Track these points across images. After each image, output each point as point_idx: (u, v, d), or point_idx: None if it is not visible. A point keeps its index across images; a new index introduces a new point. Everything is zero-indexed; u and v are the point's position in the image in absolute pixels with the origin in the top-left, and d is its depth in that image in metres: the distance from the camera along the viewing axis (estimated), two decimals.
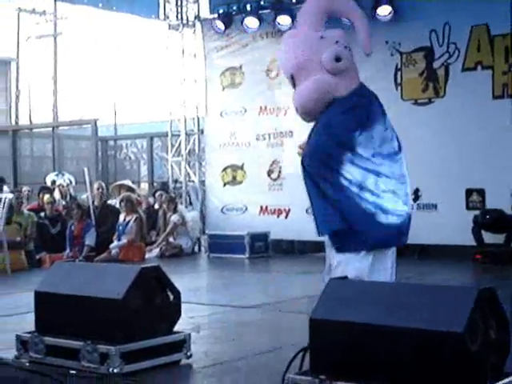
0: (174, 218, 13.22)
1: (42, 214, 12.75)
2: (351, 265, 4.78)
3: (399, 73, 12.01)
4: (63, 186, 14.65)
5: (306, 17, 5.13)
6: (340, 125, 4.89)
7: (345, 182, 4.82)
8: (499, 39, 11.13)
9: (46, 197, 12.94)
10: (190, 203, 14.74)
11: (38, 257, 11.84)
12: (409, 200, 5.08)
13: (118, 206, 13.06)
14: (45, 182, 15.27)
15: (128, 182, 14.96)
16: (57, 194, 14.35)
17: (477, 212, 11.02)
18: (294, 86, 5.04)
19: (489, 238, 10.88)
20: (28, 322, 5.45)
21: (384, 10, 11.71)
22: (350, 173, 4.81)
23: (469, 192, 11.31)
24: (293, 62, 4.98)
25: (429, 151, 11.42)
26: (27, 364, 5.08)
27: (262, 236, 12.91)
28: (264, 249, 12.85)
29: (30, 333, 5.15)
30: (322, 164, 4.92)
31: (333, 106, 4.93)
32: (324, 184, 4.89)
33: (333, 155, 4.87)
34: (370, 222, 4.85)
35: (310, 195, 5.06)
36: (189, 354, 5.15)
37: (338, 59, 4.96)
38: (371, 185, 4.83)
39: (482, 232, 10.87)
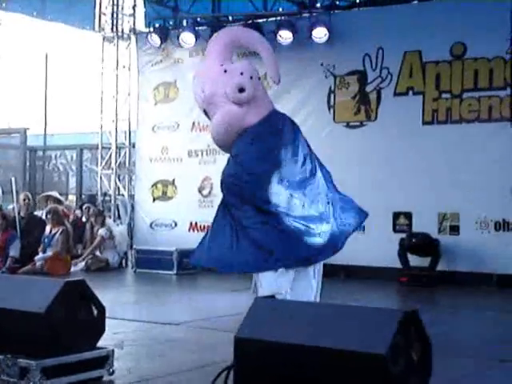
0: (102, 231, 13.07)
1: None
2: (267, 282, 4.81)
3: (332, 95, 12.13)
4: None
5: (211, 52, 5.29)
6: (247, 154, 4.98)
7: (255, 209, 4.91)
8: (431, 66, 11.33)
9: None
10: (119, 217, 14.60)
11: None
12: (330, 219, 5.11)
13: (44, 217, 12.84)
14: None
15: (55, 194, 14.74)
16: None
17: (403, 235, 11.17)
18: (210, 119, 5.16)
19: (414, 260, 11.03)
20: None
21: (320, 32, 11.83)
22: (263, 198, 4.87)
23: (396, 215, 11.46)
24: (201, 97, 5.11)
25: (358, 174, 11.54)
26: None
27: (190, 252, 12.78)
28: (192, 265, 12.77)
29: None
30: (231, 193, 5.01)
31: (242, 136, 5.03)
32: (235, 211, 4.97)
33: (243, 184, 4.93)
34: (283, 242, 4.90)
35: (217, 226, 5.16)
36: (111, 370, 5.08)
37: (241, 90, 5.07)
38: (285, 208, 4.90)
39: (408, 255, 11.02)
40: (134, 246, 13.40)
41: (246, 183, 4.93)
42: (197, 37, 12.90)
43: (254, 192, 4.90)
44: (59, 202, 13.99)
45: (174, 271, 12.46)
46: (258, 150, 4.99)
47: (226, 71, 5.12)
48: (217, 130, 5.09)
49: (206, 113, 5.18)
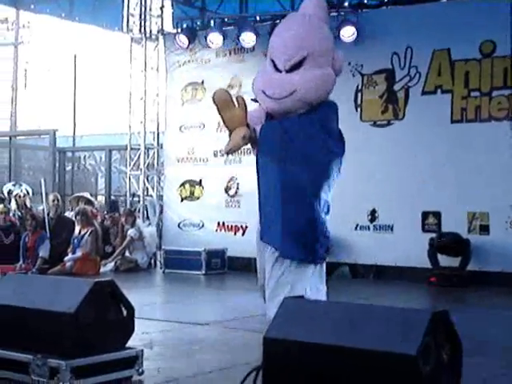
0: (131, 232, 13.12)
1: None
2: (306, 283, 4.66)
3: (359, 94, 12.09)
4: (20, 197, 14.47)
5: (319, 10, 4.93)
6: (335, 134, 4.78)
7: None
8: (460, 64, 11.26)
9: (0, 206, 12.77)
10: (147, 218, 14.65)
11: None
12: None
13: (73, 218, 12.92)
14: (1, 192, 15.08)
15: (87, 195, 14.85)
16: (13, 205, 14.19)
17: (432, 234, 11.10)
18: (293, 68, 4.65)
19: (444, 260, 10.96)
20: None
21: (348, 32, 11.78)
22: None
23: (425, 214, 11.39)
24: (314, 43, 4.64)
25: (386, 173, 11.50)
26: None
27: (219, 253, 12.87)
28: (220, 265, 12.81)
29: None
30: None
31: (327, 108, 4.79)
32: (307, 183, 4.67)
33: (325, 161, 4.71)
34: (324, 232, 4.75)
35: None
36: (141, 370, 5.09)
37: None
38: (325, 194, 4.74)
39: (438, 255, 10.95)
40: (163, 247, 13.44)
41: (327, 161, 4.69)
42: (224, 37, 12.91)
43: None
44: (90, 202, 14.07)
45: (203, 271, 12.48)
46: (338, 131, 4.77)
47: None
48: (319, 86, 4.61)
49: (300, 60, 4.67)
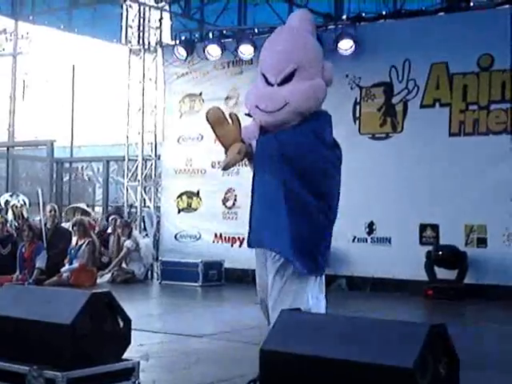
0: (128, 243, 13.11)
1: None
2: (309, 292, 4.67)
3: (358, 107, 12.11)
4: (17, 207, 14.47)
5: (304, 22, 4.98)
6: (330, 143, 4.82)
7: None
8: (458, 77, 11.28)
9: None
10: (145, 229, 14.64)
11: None
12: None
13: (70, 229, 12.90)
14: None
15: (83, 205, 14.84)
16: (10, 215, 14.18)
17: (430, 247, 11.10)
18: (284, 81, 4.71)
19: (441, 273, 10.96)
20: None
21: (346, 44, 11.82)
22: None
23: (423, 227, 11.39)
24: (303, 55, 4.71)
25: (384, 185, 11.50)
26: None
27: (215, 264, 12.85)
28: (217, 277, 12.79)
29: None
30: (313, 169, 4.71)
31: (320, 118, 4.84)
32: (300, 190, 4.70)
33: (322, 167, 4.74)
34: (326, 244, 4.80)
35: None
36: (137, 382, 5.07)
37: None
38: (328, 203, 4.78)
39: (435, 267, 10.95)
40: (160, 258, 13.43)
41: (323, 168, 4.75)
42: (223, 49, 12.94)
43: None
44: (87, 213, 14.06)
45: (200, 283, 12.47)
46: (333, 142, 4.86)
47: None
48: (311, 97, 4.72)
49: (291, 72, 4.71)
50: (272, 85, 4.74)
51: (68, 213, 14.42)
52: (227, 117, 4.86)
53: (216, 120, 4.86)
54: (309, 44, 4.85)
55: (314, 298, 4.67)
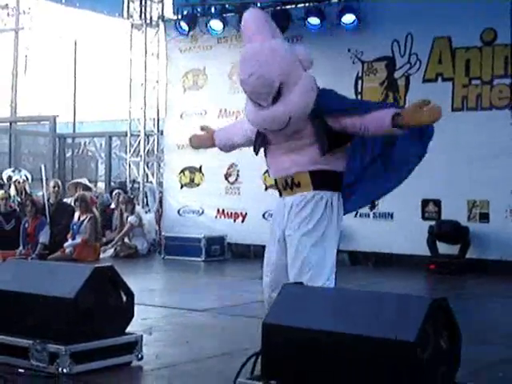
0: (131, 218, 13.14)
1: None
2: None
3: (360, 81, 12.07)
4: (19, 183, 14.47)
5: (261, 27, 4.97)
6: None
7: None
8: (461, 52, 11.24)
9: (0, 192, 12.76)
10: (147, 204, 14.66)
11: None
12: None
13: (73, 204, 12.92)
14: (1, 178, 15.09)
15: (85, 181, 14.83)
16: (12, 191, 14.18)
17: (432, 222, 11.11)
18: (275, 99, 4.69)
19: (443, 248, 10.97)
20: None
21: (348, 19, 11.77)
22: None
23: (425, 202, 11.40)
24: (281, 70, 4.66)
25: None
26: None
27: (218, 239, 12.88)
28: (220, 252, 12.82)
29: None
30: None
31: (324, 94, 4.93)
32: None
33: None
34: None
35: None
36: (140, 355, 5.11)
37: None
38: None
39: (437, 242, 10.96)
40: (163, 233, 13.45)
41: None
42: (225, 24, 12.88)
43: None
44: (88, 189, 14.06)
45: (202, 258, 12.50)
46: None
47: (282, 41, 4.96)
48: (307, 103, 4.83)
49: (278, 88, 4.77)
50: (266, 106, 4.74)
51: (70, 188, 14.40)
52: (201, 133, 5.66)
53: (198, 144, 5.85)
54: (278, 52, 4.76)
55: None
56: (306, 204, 4.80)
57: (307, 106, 4.74)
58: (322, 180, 4.82)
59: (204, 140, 5.66)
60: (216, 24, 12.93)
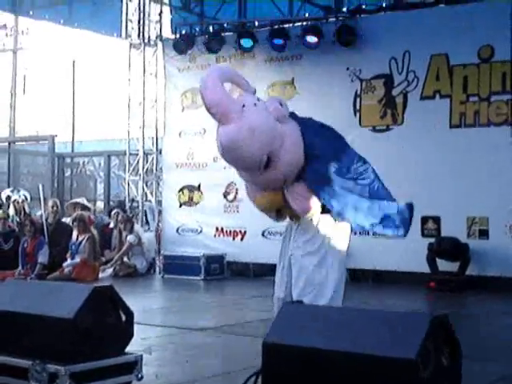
0: (131, 238, 13.12)
1: None
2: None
3: (358, 99, 12.09)
4: (18, 203, 14.45)
5: (224, 100, 5.18)
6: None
7: None
8: (458, 69, 11.26)
9: None
10: (147, 223, 14.64)
11: None
12: None
13: (71, 224, 12.89)
14: (0, 198, 15.08)
15: (83, 200, 14.79)
16: (11, 210, 14.17)
17: (432, 239, 11.10)
18: (267, 165, 4.92)
19: (443, 265, 10.95)
20: None
21: (345, 37, 11.79)
22: None
23: (424, 219, 11.38)
24: (258, 145, 4.85)
25: (385, 177, 11.42)
26: None
27: (217, 258, 12.86)
28: (219, 271, 12.80)
29: None
30: None
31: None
32: None
33: None
34: None
35: None
36: (140, 375, 5.08)
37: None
38: None
39: (437, 259, 10.94)
40: (162, 252, 13.44)
41: None
42: (223, 43, 12.92)
43: None
44: (87, 208, 14.04)
45: (202, 276, 12.48)
46: None
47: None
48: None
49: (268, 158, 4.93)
50: (259, 175, 4.98)
51: (68, 208, 14.37)
52: None
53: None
54: (257, 130, 4.85)
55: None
56: (310, 225, 4.87)
57: (299, 160, 4.94)
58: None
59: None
60: (214, 43, 12.93)
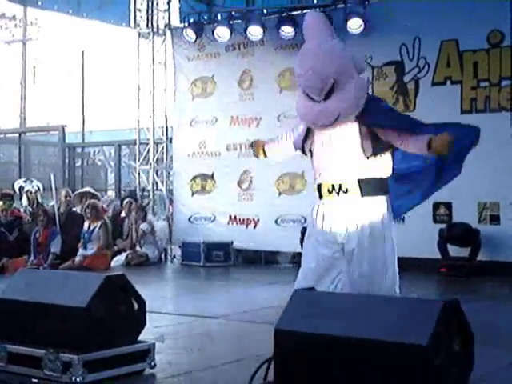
0: (143, 226, 13.15)
1: None
2: None
3: (370, 86, 12.03)
4: (31, 193, 14.48)
5: (323, 29, 5.24)
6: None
7: None
8: (468, 54, 11.22)
9: None
10: (158, 211, 14.66)
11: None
12: None
13: (83, 212, 12.89)
14: (13, 188, 15.12)
15: (90, 189, 14.75)
16: (24, 201, 14.21)
17: (443, 225, 11.08)
18: (327, 95, 5.00)
19: (454, 251, 10.94)
20: None
21: (355, 23, 11.75)
22: None
23: (436, 205, 11.37)
24: (336, 68, 5.01)
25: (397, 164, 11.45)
26: None
27: (224, 245, 12.88)
28: (224, 258, 12.80)
29: None
30: None
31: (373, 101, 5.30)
32: None
33: None
34: None
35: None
36: (153, 363, 5.11)
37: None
38: None
39: (448, 245, 10.93)
40: (175, 240, 13.49)
41: None
42: (232, 31, 12.89)
43: None
44: (95, 196, 14.01)
45: (213, 264, 12.52)
46: None
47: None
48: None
49: (332, 85, 4.98)
50: (318, 101, 5.02)
51: (75, 198, 14.28)
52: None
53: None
54: (335, 52, 5.11)
55: None
56: (357, 212, 5.02)
57: (357, 105, 5.04)
58: (370, 187, 5.05)
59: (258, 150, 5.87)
60: (223, 31, 12.89)
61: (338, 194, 5.04)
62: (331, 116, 4.98)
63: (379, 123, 5.02)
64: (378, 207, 5.07)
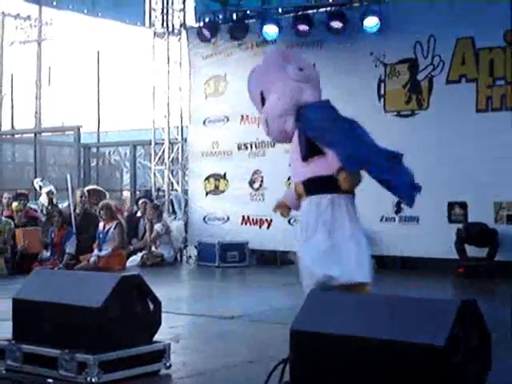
0: (158, 226, 13.14)
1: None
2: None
3: (382, 84, 12.02)
4: (52, 193, 14.48)
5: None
6: None
7: None
8: (484, 52, 11.16)
9: (14, 204, 12.78)
10: (174, 212, 14.67)
11: None
12: None
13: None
14: (32, 185, 15.16)
15: (95, 187, 14.66)
16: (44, 200, 14.20)
17: (459, 225, 11.02)
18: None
19: (471, 251, 10.88)
20: (6, 330, 5.37)
21: (370, 22, 11.72)
22: None
23: (451, 205, 11.31)
24: (257, 83, 6.06)
25: (411, 163, 11.36)
26: (3, 372, 5.01)
27: (241, 245, 12.87)
28: (239, 259, 12.79)
29: (7, 340, 5.09)
30: None
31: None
32: None
33: None
34: None
35: None
36: (168, 364, 5.10)
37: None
38: None
39: (465, 245, 10.87)
40: (191, 240, 13.49)
41: None
42: (247, 30, 12.88)
43: None
44: (102, 193, 13.93)
45: (228, 264, 12.51)
46: None
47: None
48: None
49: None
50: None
51: (91, 196, 14.15)
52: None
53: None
54: (262, 67, 6.21)
55: None
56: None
57: (277, 108, 5.56)
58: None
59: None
60: (238, 30, 12.90)
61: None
62: (263, 125, 5.72)
63: (309, 133, 5.52)
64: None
